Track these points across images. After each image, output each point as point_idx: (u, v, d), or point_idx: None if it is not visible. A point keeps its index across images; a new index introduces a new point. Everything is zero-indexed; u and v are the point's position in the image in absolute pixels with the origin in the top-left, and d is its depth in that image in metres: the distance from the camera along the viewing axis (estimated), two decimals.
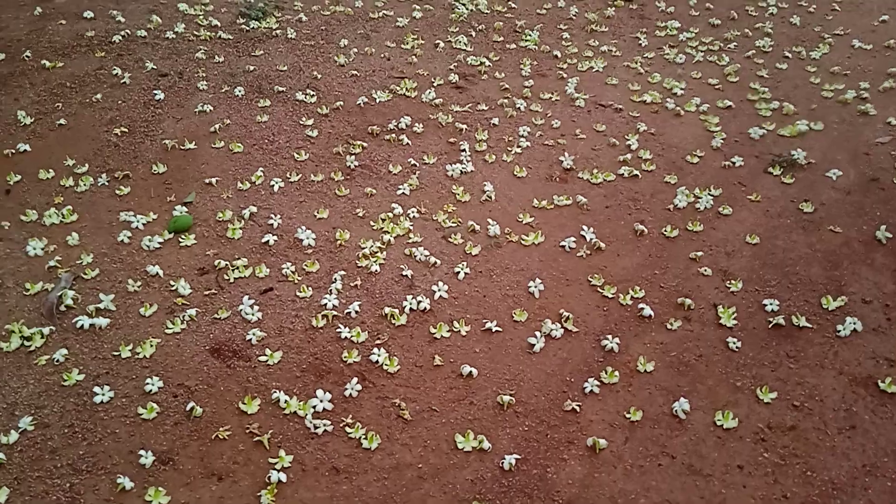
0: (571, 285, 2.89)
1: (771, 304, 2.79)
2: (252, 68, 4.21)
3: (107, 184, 3.31)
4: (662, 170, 3.53)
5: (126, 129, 3.69)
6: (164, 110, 3.85)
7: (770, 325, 2.72)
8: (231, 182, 3.33)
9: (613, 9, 5.10)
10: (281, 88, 4.03)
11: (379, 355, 2.54)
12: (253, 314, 2.66)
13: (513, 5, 5.15)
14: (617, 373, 2.52)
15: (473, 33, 4.72)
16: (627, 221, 3.21)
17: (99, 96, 3.92)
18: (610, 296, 2.84)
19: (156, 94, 3.93)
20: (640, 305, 2.77)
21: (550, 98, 4.07)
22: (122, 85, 4.03)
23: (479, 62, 4.37)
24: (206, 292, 2.78)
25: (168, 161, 3.46)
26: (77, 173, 3.38)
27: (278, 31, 4.62)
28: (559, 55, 4.50)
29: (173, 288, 2.78)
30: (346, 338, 2.61)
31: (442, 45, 4.55)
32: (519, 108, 3.95)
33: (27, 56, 4.26)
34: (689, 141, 3.74)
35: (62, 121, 3.73)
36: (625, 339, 2.66)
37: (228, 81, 4.09)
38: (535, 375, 2.53)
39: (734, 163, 3.57)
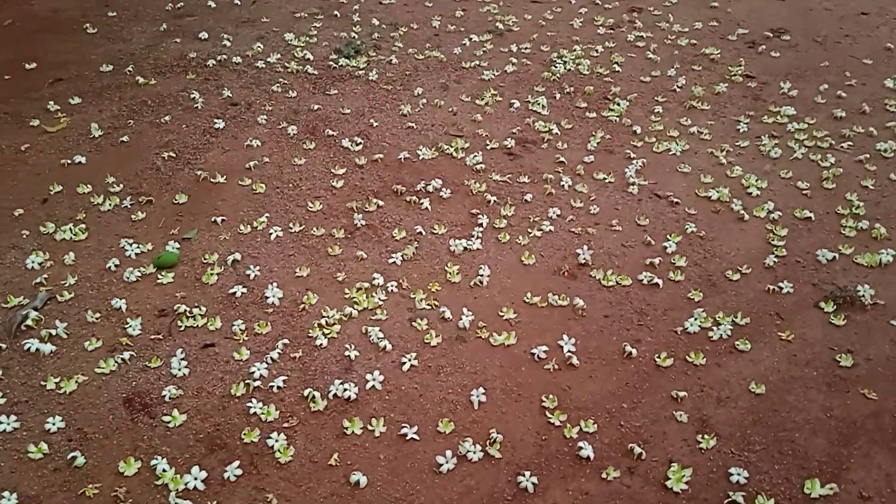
0: (520, 402, 2.60)
1: (739, 474, 2.36)
2: (317, 108, 4.23)
3: (129, 206, 3.42)
4: (691, 282, 3.12)
5: (174, 154, 3.82)
6: (218, 140, 3.95)
7: (725, 502, 2.28)
8: (235, 223, 3.34)
9: (727, 84, 4.61)
10: (332, 132, 4.01)
11: (277, 440, 2.41)
12: (180, 369, 2.63)
13: (617, 69, 4.80)
14: None
15: (558, 95, 4.46)
16: (621, 338, 2.85)
17: (168, 118, 4.10)
18: (557, 424, 2.52)
19: (216, 123, 4.04)
20: (581, 444, 2.42)
21: (604, 179, 3.73)
22: (193, 109, 4.19)
23: (546, 128, 4.11)
24: (153, 336, 2.79)
25: (192, 192, 3.54)
26: (110, 192, 3.52)
27: (363, 72, 4.61)
28: (639, 131, 4.13)
29: (126, 326, 2.80)
30: (254, 413, 2.50)
31: (518, 104, 4.34)
32: (563, 185, 3.66)
33: (129, 70, 4.55)
34: (741, 253, 3.28)
35: (125, 138, 3.93)
36: (547, 479, 2.34)
37: (289, 118, 4.13)
38: (429, 500, 2.28)
39: (781, 288, 3.08)
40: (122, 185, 3.59)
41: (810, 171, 3.85)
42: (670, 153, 3.98)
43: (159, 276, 3.05)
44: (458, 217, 3.44)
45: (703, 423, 2.53)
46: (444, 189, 3.60)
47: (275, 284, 3.00)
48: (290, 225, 3.33)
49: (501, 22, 5.34)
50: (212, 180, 3.62)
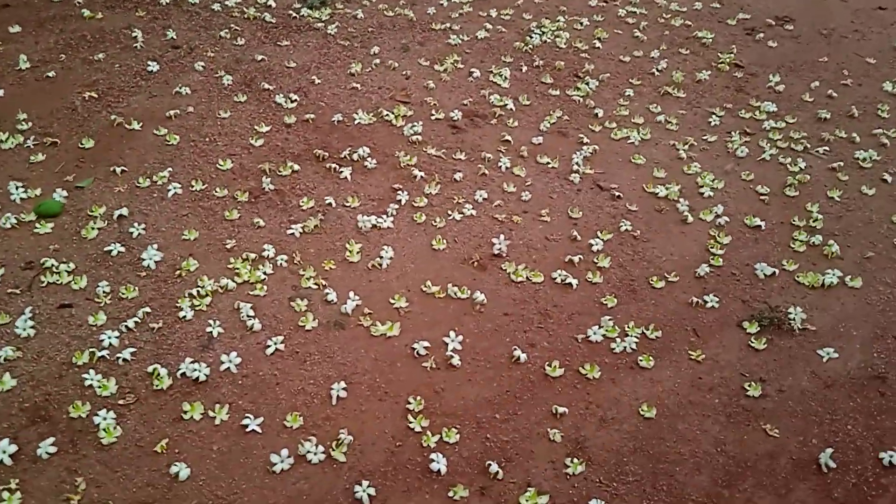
0: (384, 402, 2.37)
1: None
2: (262, 58, 3.98)
3: (30, 147, 3.22)
4: (609, 286, 2.85)
5: (96, 95, 3.61)
6: (148, 84, 3.73)
7: None
8: (135, 175, 3.12)
9: (710, 72, 4.25)
10: (269, 87, 3.76)
11: (105, 419, 2.21)
12: (25, 329, 2.43)
13: (597, 45, 4.47)
14: None
15: (524, 68, 4.15)
16: (514, 340, 2.61)
17: (102, 56, 3.88)
18: (417, 429, 2.29)
19: (150, 66, 3.82)
20: (434, 456, 2.20)
21: (547, 164, 3.45)
22: (132, 48, 3.96)
23: (501, 103, 3.82)
24: (10, 290, 2.58)
25: (102, 137, 3.33)
26: (17, 129, 3.32)
27: (322, 25, 4.33)
28: (601, 114, 3.82)
29: None
30: (90, 385, 2.30)
31: (478, 74, 4.04)
32: (500, 166, 3.38)
33: (78, 2, 4.30)
34: (674, 258, 3.00)
35: (52, 73, 3.73)
36: (387, 492, 2.12)
37: (228, 67, 3.89)
38: (252, 502, 2.07)
39: (705, 302, 2.81)
40: (31, 124, 3.38)
41: (776, 174, 3.53)
42: (628, 141, 3.69)
43: (37, 225, 2.85)
44: (377, 191, 3.19)
45: (578, 445, 2.29)
46: (370, 158, 3.34)
47: (156, 246, 2.79)
48: (193, 182, 3.11)
49: None
50: (126, 126, 3.40)
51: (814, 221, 3.25)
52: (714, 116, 3.89)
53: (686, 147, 3.65)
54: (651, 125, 3.79)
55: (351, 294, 2.68)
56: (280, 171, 3.20)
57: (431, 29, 4.46)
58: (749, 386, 2.50)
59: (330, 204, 3.08)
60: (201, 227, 2.91)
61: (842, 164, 3.62)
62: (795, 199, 3.39)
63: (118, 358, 2.39)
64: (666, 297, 2.84)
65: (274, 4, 4.53)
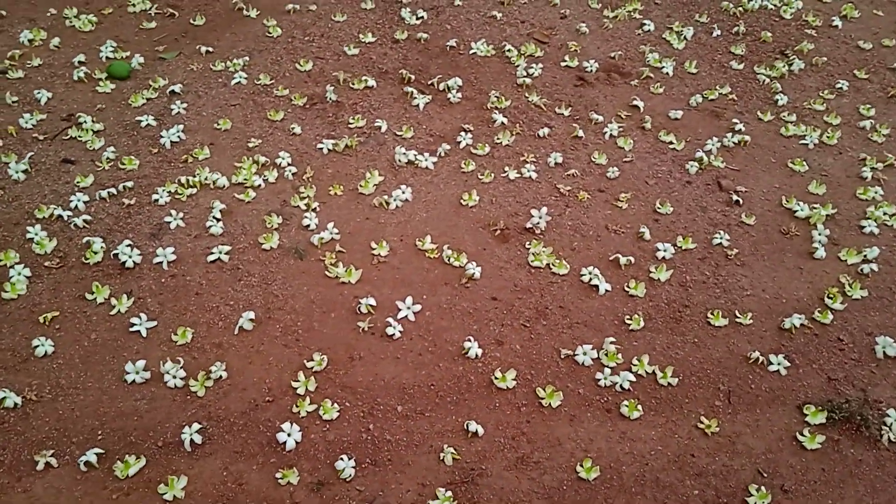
0: (287, 349, 2.04)
1: None
2: None
3: (152, 14, 3.28)
4: (649, 305, 2.19)
5: None
6: None
7: None
8: (217, 58, 3.03)
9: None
10: None
11: (19, 274, 2.15)
12: (17, 172, 2.46)
13: (837, 24, 3.52)
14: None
15: (717, 33, 3.37)
16: (481, 331, 2.09)
17: None
18: (300, 392, 1.93)
19: None
20: (286, 426, 1.83)
21: (669, 143, 2.77)
22: None
23: (659, 64, 3.14)
24: (37, 135, 2.64)
25: (216, 18, 3.30)
26: None
27: None
28: (782, 102, 2.99)
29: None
30: (31, 240, 2.26)
31: (652, 28, 3.37)
32: (606, 133, 2.79)
33: None
34: (765, 297, 2.26)
35: None
36: (217, 446, 1.81)
37: None
38: (87, 402, 1.89)
39: (769, 362, 2.04)
40: None
41: None
42: (801, 141, 2.88)
43: (100, 84, 2.85)
44: (444, 127, 2.77)
45: (466, 478, 1.75)
46: (457, 91, 2.90)
47: (182, 127, 2.66)
48: (261, 76, 2.92)
49: None
50: (244, 12, 3.32)
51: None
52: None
53: (880, 166, 2.68)
54: (847, 129, 2.85)
55: (330, 225, 2.31)
56: (353, 84, 2.89)
57: None
58: (758, 494, 1.72)
59: (379, 127, 2.71)
60: (239, 120, 2.71)
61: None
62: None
63: (72, 222, 2.28)
64: (719, 340, 2.09)
65: None
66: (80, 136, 2.62)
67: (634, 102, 2.93)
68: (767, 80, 3.11)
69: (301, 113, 2.77)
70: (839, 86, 3.12)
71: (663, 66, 3.13)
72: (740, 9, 3.52)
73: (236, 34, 3.16)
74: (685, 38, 3.32)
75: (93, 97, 2.81)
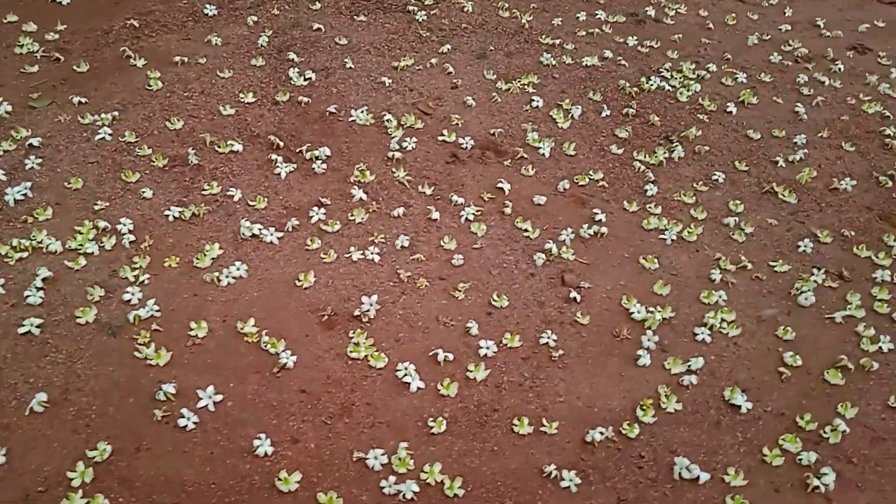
0: (74, 436, 1.99)
1: None
2: (318, 28, 3.67)
3: (37, 57, 3.25)
4: (457, 407, 2.17)
5: (136, 25, 3.57)
6: (193, 26, 3.66)
7: None
8: (87, 110, 3.00)
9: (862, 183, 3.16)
10: (295, 58, 3.45)
11: None
12: None
13: (732, 110, 3.54)
14: None
15: (606, 113, 3.39)
16: (280, 421, 2.06)
17: None
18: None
19: (207, 9, 3.71)
20: None
21: (524, 231, 2.76)
22: None
23: (535, 143, 3.14)
24: None
25: (101, 66, 3.29)
26: (44, 38, 3.37)
27: (416, 9, 3.91)
28: (652, 192, 3.01)
29: None
30: None
31: (541, 104, 3.38)
32: (461, 217, 2.78)
33: None
34: (577, 405, 2.23)
35: None
36: None
37: (278, 29, 3.65)
38: None
39: (561, 477, 2.02)
40: (58, 35, 3.38)
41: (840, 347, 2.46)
42: (659, 236, 2.82)
43: None
44: (300, 199, 2.80)
45: None
46: (323, 162, 2.89)
47: (30, 184, 2.61)
48: (126, 133, 2.89)
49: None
50: (130, 61, 3.26)
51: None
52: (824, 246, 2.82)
53: (732, 268, 2.69)
54: (711, 224, 2.88)
55: (151, 302, 2.28)
56: (218, 147, 2.87)
57: (537, 41, 3.81)
58: None
59: (232, 196, 2.69)
60: (92, 179, 2.71)
61: None
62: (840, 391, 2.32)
63: None
64: (519, 449, 2.09)
65: None
66: None
67: (501, 185, 2.92)
68: (643, 166, 3.12)
69: (158, 175, 2.76)
70: (715, 177, 3.14)
71: (541, 147, 3.13)
72: (636, 89, 3.54)
73: (116, 85, 3.15)
74: (572, 116, 3.34)
75: None
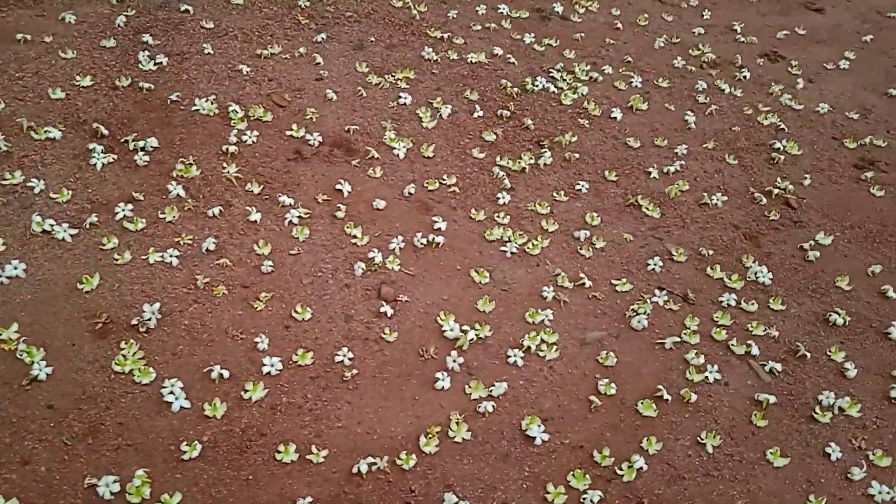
0: None
1: None
2: (185, 10, 3.45)
3: None
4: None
5: None
6: (52, 3, 3.38)
7: None
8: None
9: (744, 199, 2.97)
10: (150, 41, 3.24)
11: None
12: None
13: (616, 116, 3.35)
14: None
15: (479, 113, 3.20)
16: (16, 440, 1.87)
17: None
18: None
19: None
20: None
21: (352, 237, 2.57)
22: None
23: (391, 142, 2.95)
24: None
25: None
26: None
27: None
28: (504, 200, 2.82)
29: None
30: None
31: (409, 101, 3.19)
32: (285, 220, 2.60)
33: None
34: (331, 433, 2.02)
35: None
36: None
37: (140, 7, 3.41)
38: None
39: None
40: None
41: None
42: (500, 247, 2.62)
43: None
44: (109, 193, 2.58)
45: None
46: (146, 154, 2.69)
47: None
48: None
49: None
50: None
51: None
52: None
53: (570, 285, 2.51)
54: (561, 237, 2.70)
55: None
56: (35, 133, 2.67)
57: (424, 34, 3.62)
58: None
59: (33, 188, 2.51)
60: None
61: None
62: None
63: None
64: (276, 480, 1.94)
65: None
66: None
67: (341, 186, 2.73)
68: (502, 172, 2.93)
69: None
70: (579, 187, 2.95)
71: (396, 147, 2.94)
72: (517, 89, 3.35)
73: None
74: (440, 116, 3.14)
75: None
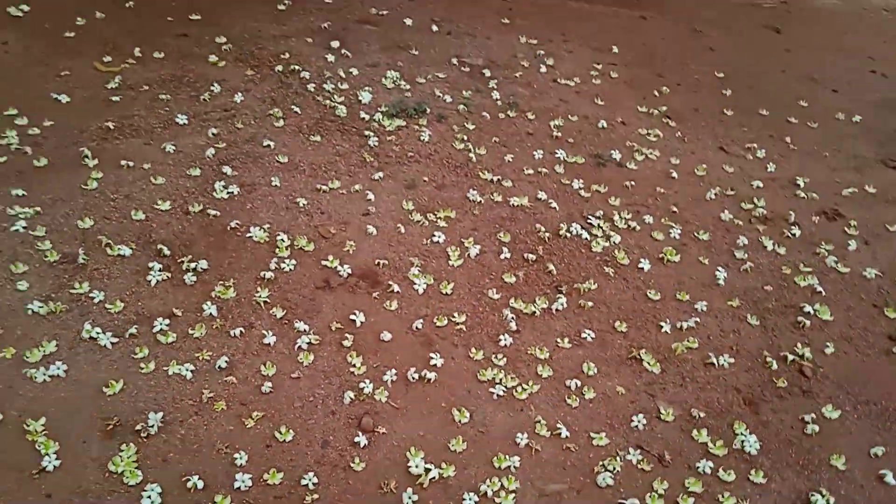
0: None
1: None
2: (268, 145, 4.00)
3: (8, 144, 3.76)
4: None
5: (112, 127, 4.02)
6: (163, 132, 4.04)
7: None
8: (28, 202, 3.44)
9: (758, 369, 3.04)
10: (229, 171, 3.78)
11: None
12: None
13: (644, 266, 3.53)
14: None
15: (506, 255, 3.47)
16: None
17: (166, 97, 4.30)
18: None
19: (179, 118, 4.11)
20: None
21: (351, 367, 2.88)
22: (180, 96, 4.31)
23: (412, 278, 3.28)
24: None
25: (60, 162, 3.71)
26: (15, 124, 3.91)
27: (372, 134, 4.19)
28: (506, 342, 3.04)
29: None
30: None
31: (441, 239, 3.51)
32: (297, 344, 2.93)
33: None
34: None
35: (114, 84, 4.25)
36: None
37: (233, 142, 3.99)
38: None
39: None
40: (27, 119, 3.88)
41: None
42: (490, 388, 2.82)
43: None
44: (154, 307, 2.99)
45: None
46: (195, 275, 3.14)
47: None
48: (38, 228, 3.27)
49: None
50: (82, 161, 3.70)
51: None
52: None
53: (547, 434, 2.66)
54: (551, 385, 2.87)
55: None
56: (109, 250, 3.19)
57: (476, 176, 3.96)
58: None
59: (94, 298, 2.97)
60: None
61: None
62: None
63: None
64: None
65: (356, 101, 4.41)
66: None
67: (355, 316, 3.03)
68: (512, 315, 3.12)
69: (44, 270, 3.08)
70: (585, 335, 3.10)
71: (416, 283, 3.22)
72: (549, 234, 3.57)
73: (58, 181, 3.55)
74: (469, 255, 3.41)
75: None
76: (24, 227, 3.24)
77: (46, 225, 3.26)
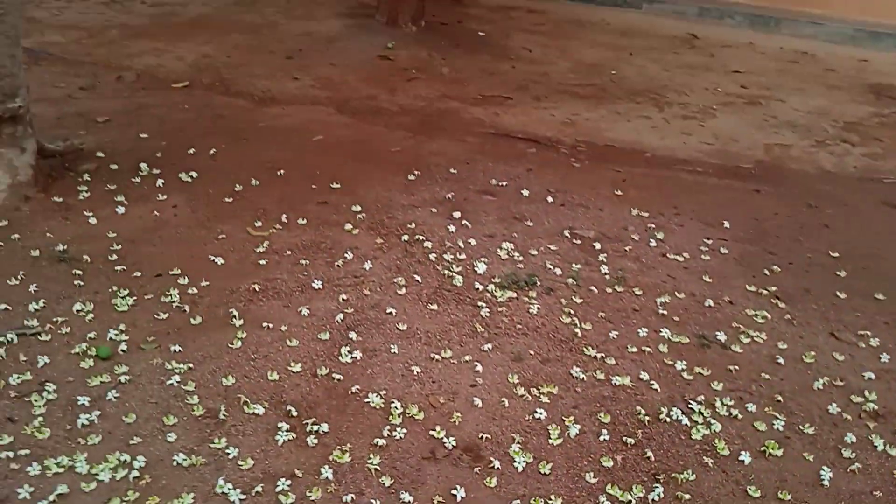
0: None
1: None
2: (391, 311, 4.44)
3: (171, 301, 4.38)
4: None
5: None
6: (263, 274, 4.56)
7: None
8: (182, 358, 3.99)
9: None
10: (356, 336, 4.21)
11: None
12: None
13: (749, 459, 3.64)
14: None
15: (604, 437, 3.69)
16: None
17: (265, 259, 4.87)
18: None
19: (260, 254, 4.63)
20: None
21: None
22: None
23: (514, 456, 3.53)
24: None
25: (211, 321, 4.29)
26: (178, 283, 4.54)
27: (484, 305, 4.57)
28: None
29: None
30: None
31: (543, 416, 3.77)
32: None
33: None
34: None
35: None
36: None
37: (343, 300, 4.46)
38: None
39: None
40: (188, 279, 4.49)
41: None
42: None
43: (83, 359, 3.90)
44: (279, 467, 3.36)
45: None
46: (315, 437, 3.51)
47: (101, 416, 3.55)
48: (225, 378, 3.78)
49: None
50: (230, 321, 4.23)
51: None
52: None
53: None
54: None
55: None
56: (245, 408, 3.62)
57: (580, 351, 4.21)
58: None
59: (229, 454, 3.36)
60: (137, 425, 3.53)
61: None
62: None
63: None
64: None
65: (472, 271, 4.81)
66: None
67: (454, 491, 3.27)
68: (608, 502, 3.27)
69: (190, 423, 3.52)
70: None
71: (517, 461, 3.44)
72: (649, 417, 3.72)
73: (209, 340, 4.07)
74: (568, 434, 3.60)
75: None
76: (177, 382, 3.71)
77: (196, 380, 3.72)
